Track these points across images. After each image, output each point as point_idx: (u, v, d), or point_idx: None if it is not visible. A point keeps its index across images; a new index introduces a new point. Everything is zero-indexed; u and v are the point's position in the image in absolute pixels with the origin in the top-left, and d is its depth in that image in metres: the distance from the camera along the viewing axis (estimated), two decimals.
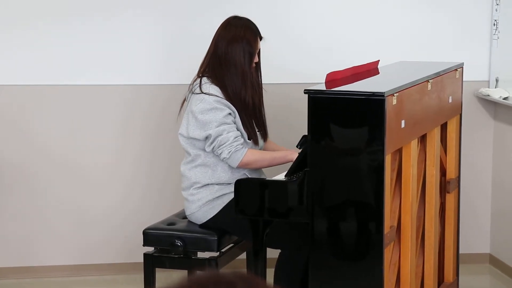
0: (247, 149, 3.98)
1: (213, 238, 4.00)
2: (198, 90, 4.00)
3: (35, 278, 5.07)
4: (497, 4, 5.17)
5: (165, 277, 4.79)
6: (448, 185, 4.35)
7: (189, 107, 4.04)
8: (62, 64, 5.01)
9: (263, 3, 5.06)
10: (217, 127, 3.94)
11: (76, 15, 4.98)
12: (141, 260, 4.10)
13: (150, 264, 4.07)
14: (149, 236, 4.08)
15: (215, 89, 3.99)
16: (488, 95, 5.13)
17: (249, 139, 4.05)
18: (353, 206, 3.48)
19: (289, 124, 5.04)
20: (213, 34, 4.10)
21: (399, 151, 3.75)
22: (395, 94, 3.49)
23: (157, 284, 4.11)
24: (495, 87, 5.20)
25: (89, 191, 5.11)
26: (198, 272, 1.31)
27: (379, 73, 4.22)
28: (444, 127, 4.35)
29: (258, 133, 4.13)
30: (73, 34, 4.99)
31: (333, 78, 3.76)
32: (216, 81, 4.02)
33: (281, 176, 3.81)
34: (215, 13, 4.83)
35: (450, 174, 4.39)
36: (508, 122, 5.11)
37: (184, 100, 4.15)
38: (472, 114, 5.22)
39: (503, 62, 5.16)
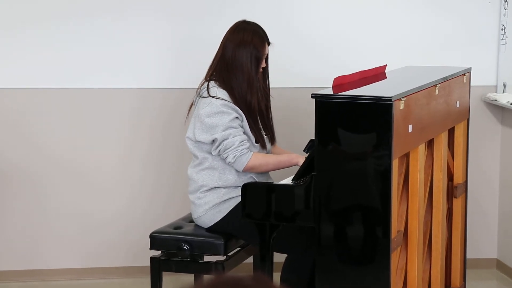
0: (252, 153, 3.98)
1: (220, 242, 4.00)
2: (205, 94, 4.01)
3: (42, 282, 5.08)
4: (505, 9, 5.16)
5: (171, 280, 4.79)
6: (455, 190, 4.34)
7: (196, 110, 4.05)
8: (70, 68, 5.01)
9: (271, 8, 5.06)
10: (223, 131, 3.94)
11: (84, 19, 4.99)
12: (148, 263, 4.10)
13: (157, 268, 4.07)
14: (156, 240, 4.08)
15: (222, 93, 4.00)
16: (496, 100, 5.13)
17: (256, 142, 4.05)
18: (360, 211, 3.48)
19: (296, 128, 5.04)
20: (222, 38, 4.11)
21: (406, 155, 3.75)
22: (402, 99, 3.49)
23: None
24: (503, 92, 5.19)
25: (96, 194, 5.12)
26: (214, 275, 1.30)
27: (386, 77, 4.22)
28: (451, 132, 4.35)
29: (265, 137, 4.13)
30: (82, 38, 4.99)
31: (340, 83, 3.76)
32: (223, 84, 4.03)
33: (288, 180, 3.81)
34: (223, 17, 4.83)
35: (458, 179, 4.38)
36: None
37: (192, 103, 4.16)
38: (480, 119, 5.21)
39: (510, 67, 5.15)
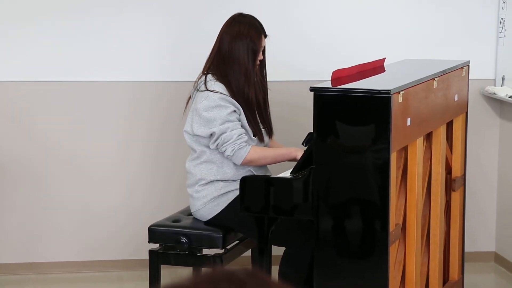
0: (250, 146, 3.98)
1: (218, 235, 4.01)
2: (203, 87, 4.00)
3: (40, 274, 5.08)
4: (504, 2, 5.16)
5: (170, 273, 4.80)
6: (454, 183, 4.34)
7: (194, 104, 4.04)
8: (68, 61, 5.01)
9: (269, 0, 5.05)
10: (221, 124, 3.94)
11: (82, 12, 4.98)
12: (146, 257, 4.10)
13: (155, 261, 4.08)
14: (154, 233, 4.08)
15: (220, 86, 3.99)
16: (494, 93, 5.13)
17: (254, 136, 4.05)
18: (358, 204, 3.48)
19: (294, 121, 5.04)
20: (218, 31, 4.10)
21: (405, 149, 3.74)
22: (401, 92, 3.49)
23: (162, 280, 4.11)
24: (501, 85, 5.19)
25: (94, 187, 5.12)
26: (208, 269, 1.31)
27: (385, 71, 4.21)
28: (450, 125, 4.35)
29: (263, 130, 4.13)
30: (79, 31, 4.99)
31: (339, 76, 3.76)
32: (220, 78, 4.02)
33: (286, 174, 3.81)
34: (220, 10, 4.82)
35: (456, 172, 4.38)
36: None
37: (189, 97, 4.15)
38: (478, 112, 5.21)
39: (509, 60, 5.15)
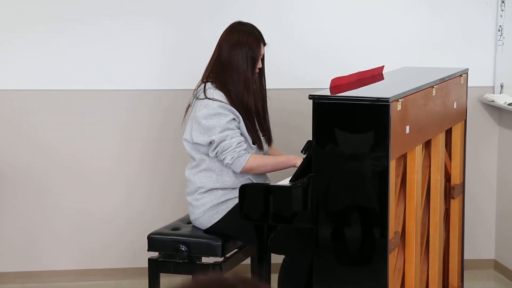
0: (250, 154, 3.98)
1: (218, 243, 4.00)
2: (202, 96, 4.01)
3: (39, 283, 5.08)
4: (502, 10, 5.17)
5: (169, 282, 4.79)
6: (453, 190, 4.35)
7: (193, 112, 4.04)
8: (66, 70, 5.02)
9: (267, 8, 5.07)
10: (221, 132, 3.94)
11: (79, 21, 4.99)
12: (146, 265, 4.10)
13: (155, 269, 4.07)
14: (153, 241, 4.08)
15: (219, 95, 3.99)
16: (493, 101, 5.13)
17: (253, 144, 4.05)
18: (357, 212, 3.48)
19: (294, 129, 5.04)
20: (217, 39, 4.11)
21: (404, 156, 3.75)
22: (399, 100, 3.49)
23: None
24: (500, 93, 5.19)
25: (93, 195, 5.12)
26: (201, 275, 1.31)
27: (383, 78, 4.22)
28: (448, 133, 4.35)
29: (262, 138, 4.13)
30: (78, 40, 5.00)
31: (338, 84, 3.77)
32: (220, 86, 4.03)
33: (285, 181, 3.81)
34: (218, 18, 4.83)
35: (455, 179, 4.39)
36: None
37: (189, 105, 4.16)
38: (477, 120, 5.21)
39: (508, 68, 5.16)
